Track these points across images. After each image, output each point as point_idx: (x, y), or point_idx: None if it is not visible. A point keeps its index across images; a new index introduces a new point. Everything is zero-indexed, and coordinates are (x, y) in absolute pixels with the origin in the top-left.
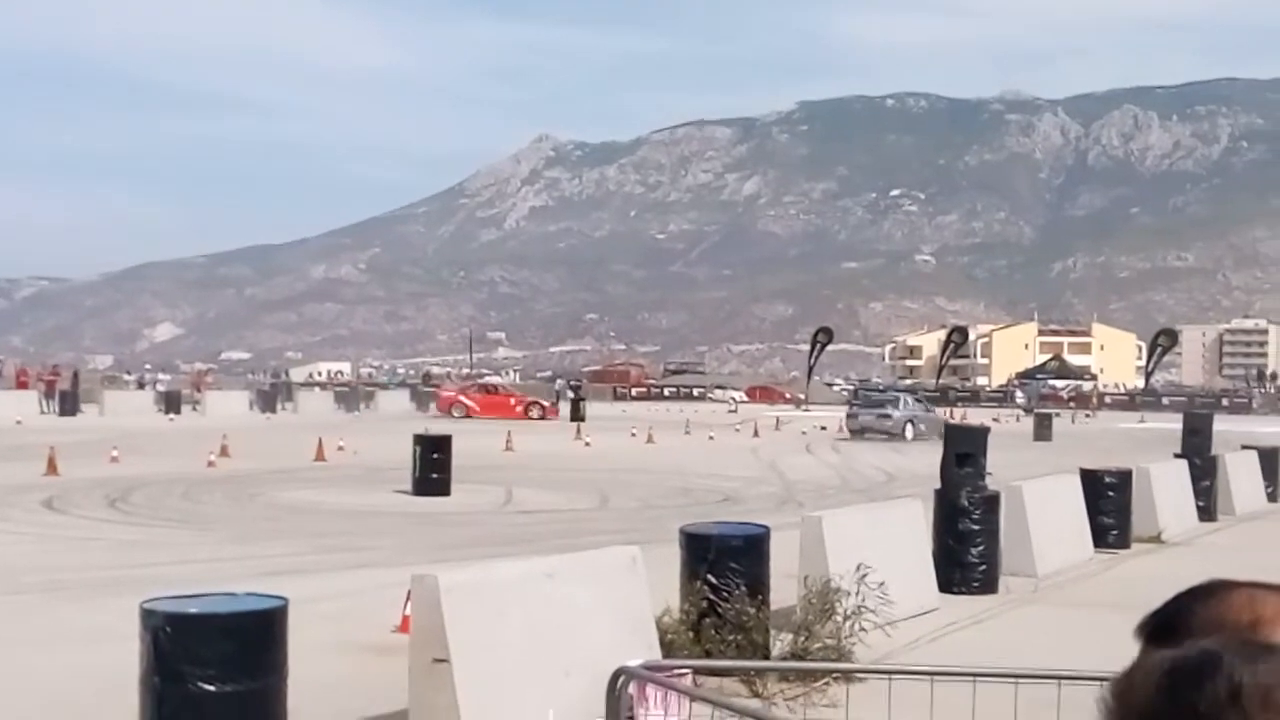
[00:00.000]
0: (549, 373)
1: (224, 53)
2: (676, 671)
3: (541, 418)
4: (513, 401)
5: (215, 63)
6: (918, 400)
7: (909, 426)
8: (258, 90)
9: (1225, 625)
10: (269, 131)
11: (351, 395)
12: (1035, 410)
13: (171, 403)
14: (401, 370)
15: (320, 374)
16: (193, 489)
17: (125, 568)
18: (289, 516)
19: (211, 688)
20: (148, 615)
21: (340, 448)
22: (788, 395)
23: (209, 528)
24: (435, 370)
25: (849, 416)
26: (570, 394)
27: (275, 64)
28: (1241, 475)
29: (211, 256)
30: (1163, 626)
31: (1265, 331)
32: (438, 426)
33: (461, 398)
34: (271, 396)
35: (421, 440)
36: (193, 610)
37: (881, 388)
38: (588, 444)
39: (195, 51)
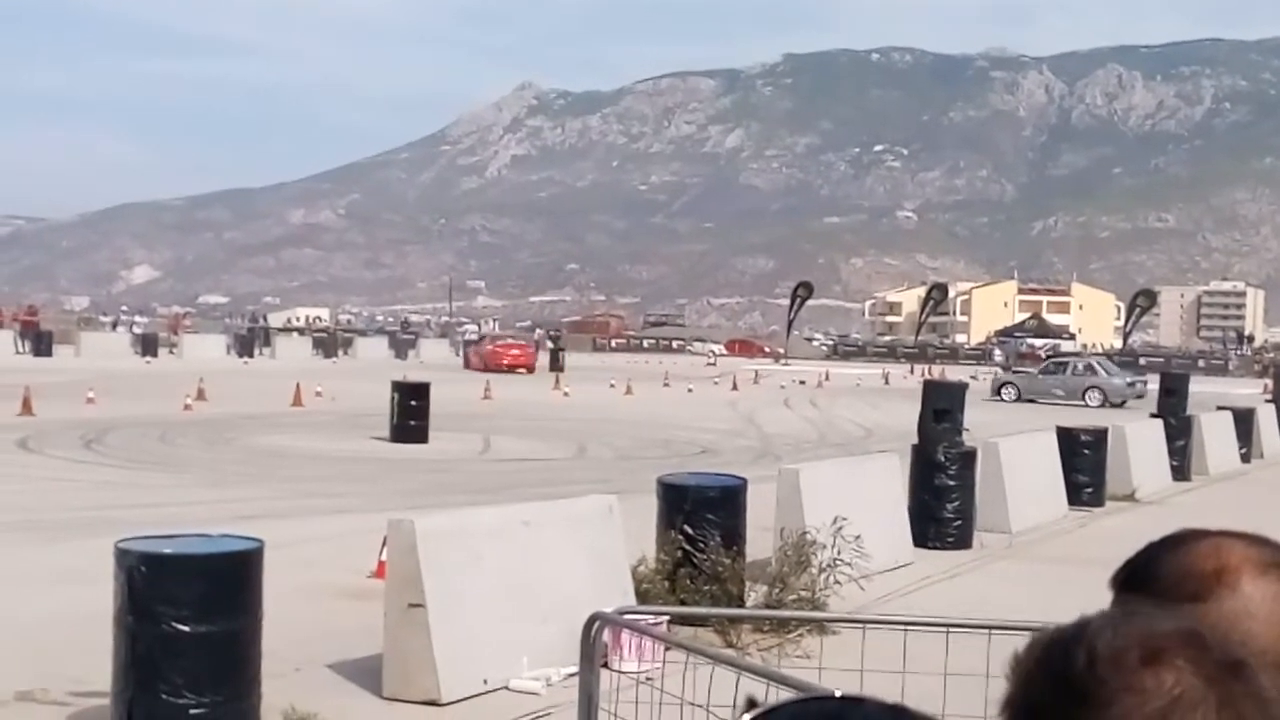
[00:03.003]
0: (528, 323)
1: None
2: (652, 619)
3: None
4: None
5: (196, 4)
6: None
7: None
8: (238, 32)
9: (1192, 573)
10: (249, 74)
11: (330, 341)
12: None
13: (148, 345)
14: (380, 317)
15: (298, 320)
16: (169, 432)
17: (100, 509)
18: (265, 461)
19: (186, 628)
20: (122, 555)
21: (318, 394)
22: (767, 349)
23: (184, 471)
24: (414, 318)
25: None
26: (549, 344)
27: (256, 6)
28: (1216, 436)
29: (189, 199)
30: (1133, 575)
31: (1243, 294)
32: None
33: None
34: (249, 341)
35: (400, 387)
36: (167, 550)
37: (996, 342)
38: (566, 394)
39: None
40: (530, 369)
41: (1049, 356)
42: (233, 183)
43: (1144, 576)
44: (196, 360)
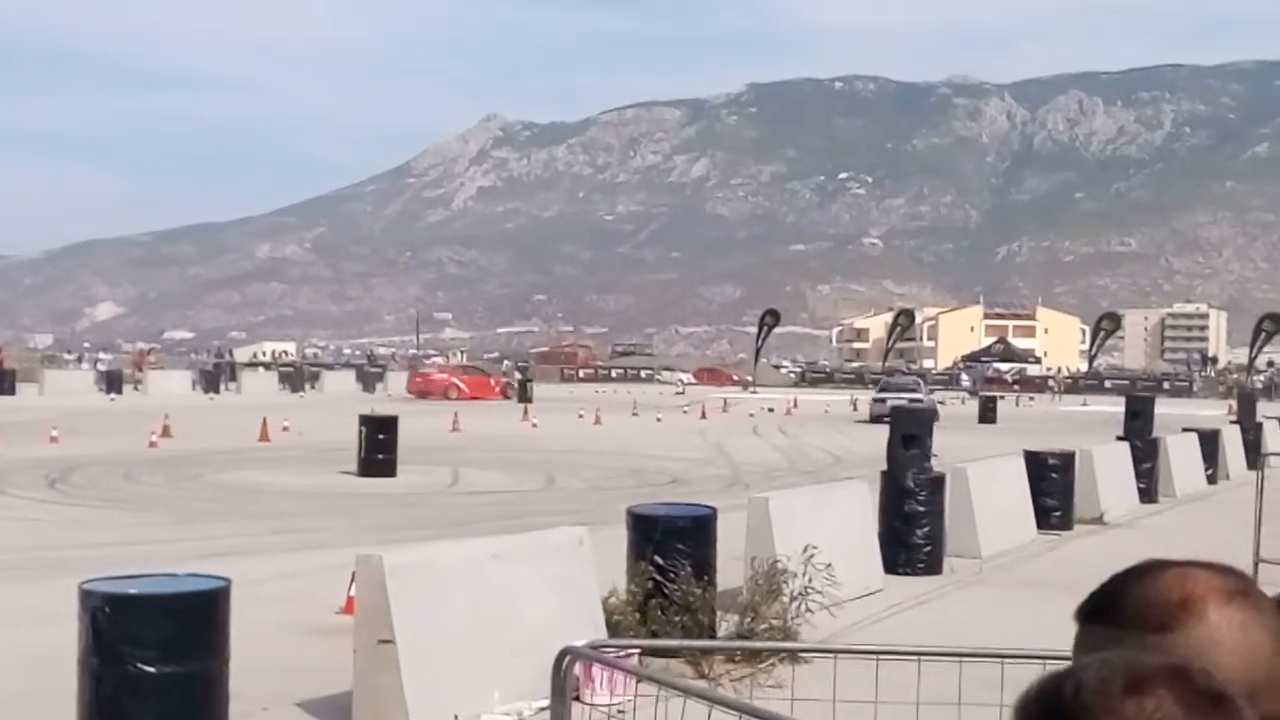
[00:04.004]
0: (496, 354)
1: (169, 27)
2: (623, 651)
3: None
4: (492, 382)
5: (160, 38)
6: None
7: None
8: (204, 66)
9: (1158, 603)
10: (215, 107)
11: (296, 375)
12: (980, 393)
13: (113, 382)
14: (348, 351)
15: (265, 354)
16: (134, 469)
17: (64, 548)
18: (232, 497)
19: (151, 669)
20: (86, 596)
21: (285, 428)
22: (735, 377)
23: (150, 509)
24: (381, 351)
25: (875, 401)
26: (518, 375)
27: (221, 39)
28: (1182, 457)
29: (155, 234)
30: (1098, 607)
31: (1206, 316)
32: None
33: (455, 380)
34: (215, 376)
35: (367, 421)
36: (132, 591)
37: (904, 373)
38: (535, 425)
39: (140, 26)
40: (464, 394)
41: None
42: (199, 217)
43: (1109, 608)
44: (162, 396)
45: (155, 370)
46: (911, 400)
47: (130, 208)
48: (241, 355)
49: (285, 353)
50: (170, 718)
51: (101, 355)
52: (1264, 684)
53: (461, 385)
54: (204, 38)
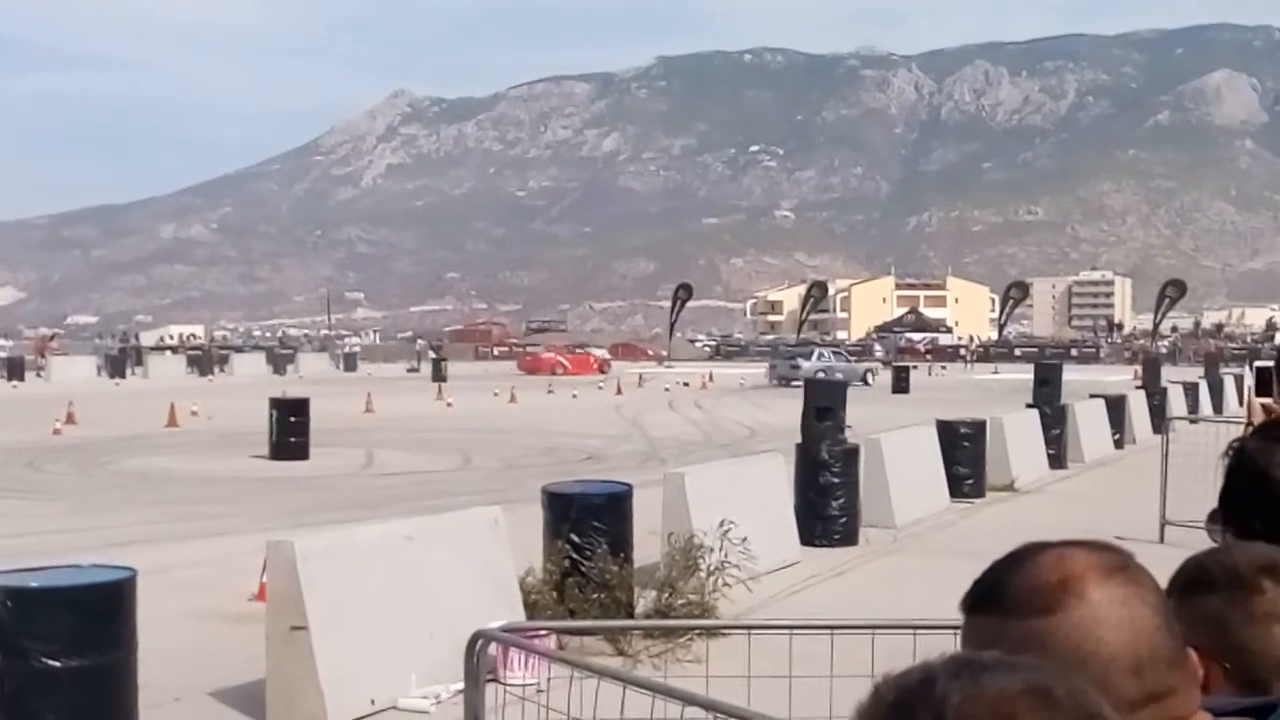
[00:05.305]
0: (410, 333)
1: (66, 5)
2: (538, 632)
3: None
4: (591, 360)
5: (57, 16)
6: (836, 352)
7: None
8: (101, 44)
9: (1039, 587)
10: (113, 87)
11: (205, 359)
12: (893, 363)
13: (14, 369)
14: (258, 332)
15: (171, 337)
16: (38, 458)
17: None
18: (140, 485)
19: (56, 663)
20: None
21: (194, 413)
22: (650, 352)
23: (55, 498)
24: (292, 332)
25: (770, 368)
26: (431, 354)
27: (119, 17)
28: (1090, 424)
29: (55, 217)
30: (981, 596)
31: (1111, 283)
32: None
33: (561, 358)
34: (120, 361)
35: (278, 404)
36: (35, 584)
37: (795, 343)
38: (450, 404)
39: (36, 3)
40: (568, 370)
41: (927, 350)
42: (100, 199)
43: (992, 596)
44: (65, 383)
45: (58, 356)
46: (791, 368)
47: (26, 190)
48: (148, 339)
49: (193, 336)
50: (78, 712)
51: (2, 341)
52: (1148, 658)
53: (565, 363)
54: (100, 16)
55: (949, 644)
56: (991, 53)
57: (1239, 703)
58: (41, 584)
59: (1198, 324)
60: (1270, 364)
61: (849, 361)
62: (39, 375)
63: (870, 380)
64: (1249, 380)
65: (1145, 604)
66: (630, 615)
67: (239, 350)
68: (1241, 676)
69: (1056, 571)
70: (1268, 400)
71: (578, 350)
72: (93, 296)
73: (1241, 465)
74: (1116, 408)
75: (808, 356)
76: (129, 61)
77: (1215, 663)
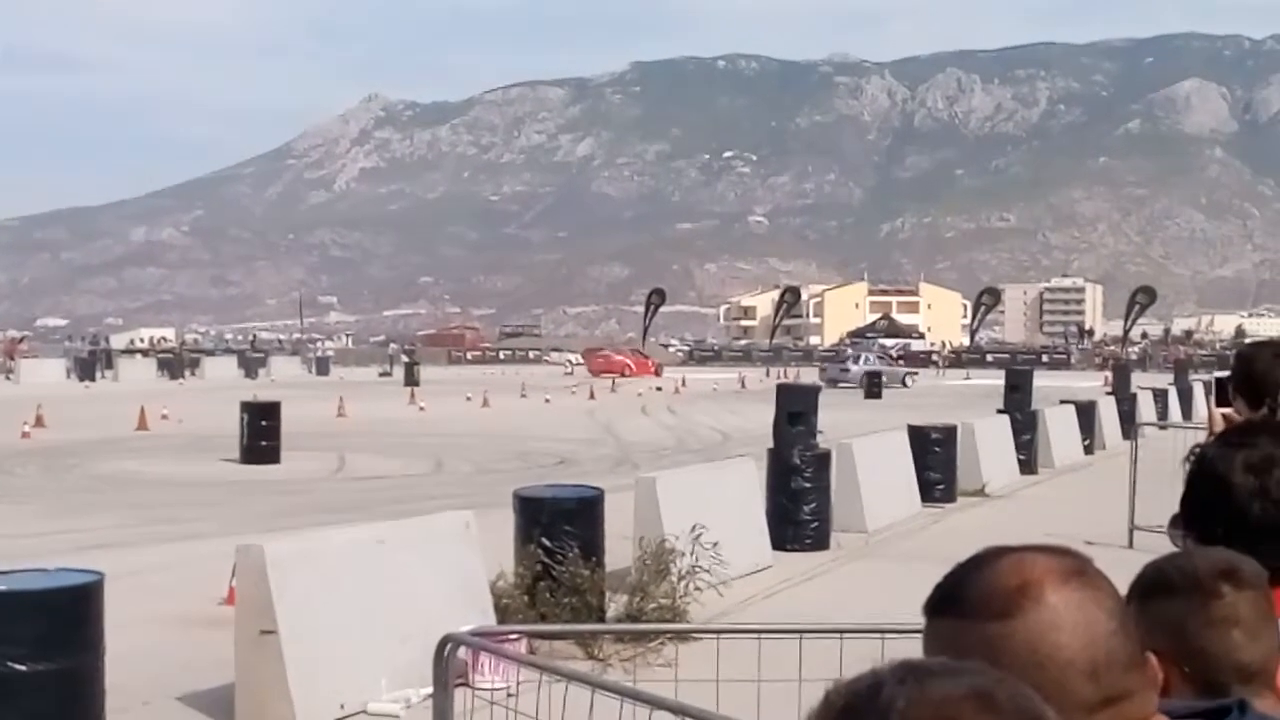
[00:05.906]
0: (383, 337)
1: (38, 6)
2: (508, 636)
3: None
4: (650, 363)
5: (28, 17)
6: (880, 356)
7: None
8: (73, 46)
9: (997, 591)
10: (85, 89)
11: (176, 362)
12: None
13: None
14: (229, 336)
15: (142, 340)
16: (6, 461)
17: None
18: (109, 488)
19: (23, 667)
20: None
21: (164, 416)
22: (653, 364)
23: (24, 501)
24: (265, 335)
25: (820, 370)
26: (404, 358)
27: (91, 18)
28: (1060, 429)
29: (24, 219)
30: (942, 600)
31: (1082, 289)
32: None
33: (628, 361)
34: (90, 364)
35: (249, 407)
36: (1, 588)
37: (849, 343)
38: (422, 409)
39: (7, 3)
40: (632, 372)
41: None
42: (70, 201)
43: (952, 600)
44: (35, 385)
45: (28, 359)
46: (841, 370)
47: None
48: (118, 342)
49: (164, 339)
50: (45, 716)
51: None
52: (1104, 662)
53: (631, 365)
54: (72, 18)
55: (917, 648)
56: (964, 60)
57: (1196, 706)
58: (8, 587)
59: (1168, 331)
60: (1228, 374)
61: (892, 365)
62: (8, 378)
63: (909, 383)
64: (1207, 391)
65: (1102, 608)
66: (601, 619)
67: (210, 353)
68: (1200, 680)
69: (1015, 576)
70: (1228, 410)
71: (639, 355)
72: (63, 299)
73: (1202, 471)
74: (1087, 414)
75: (856, 360)
76: (100, 62)
77: (1175, 666)
